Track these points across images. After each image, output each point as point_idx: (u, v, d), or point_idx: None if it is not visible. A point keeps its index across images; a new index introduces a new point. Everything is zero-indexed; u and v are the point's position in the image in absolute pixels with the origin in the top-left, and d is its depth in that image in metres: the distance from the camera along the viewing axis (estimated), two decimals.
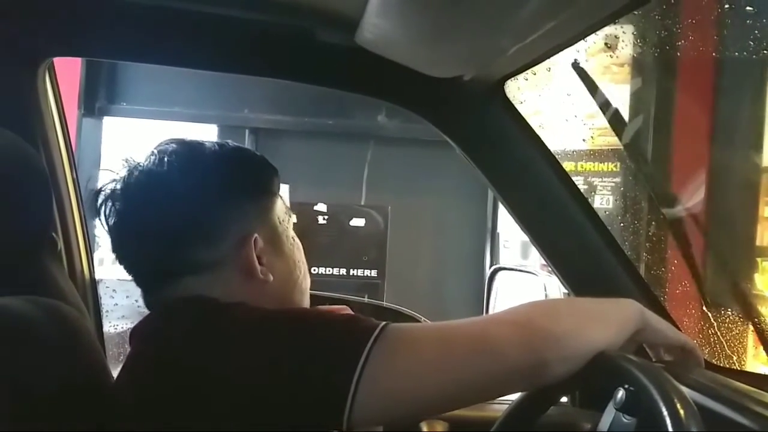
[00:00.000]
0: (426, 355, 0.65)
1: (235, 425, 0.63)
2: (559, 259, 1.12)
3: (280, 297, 0.78)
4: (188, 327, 0.69)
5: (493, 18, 0.76)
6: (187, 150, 0.79)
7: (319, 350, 0.64)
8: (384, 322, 0.66)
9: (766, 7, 2.31)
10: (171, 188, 0.76)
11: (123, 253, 0.78)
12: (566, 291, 1.16)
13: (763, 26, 2.33)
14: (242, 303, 0.72)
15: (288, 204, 0.84)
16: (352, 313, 0.86)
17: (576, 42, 0.83)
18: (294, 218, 0.85)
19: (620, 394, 0.69)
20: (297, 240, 0.84)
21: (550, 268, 1.16)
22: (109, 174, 0.78)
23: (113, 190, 0.77)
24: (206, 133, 3.74)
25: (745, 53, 2.42)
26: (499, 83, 1.02)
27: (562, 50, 0.87)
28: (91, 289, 1.18)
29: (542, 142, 1.08)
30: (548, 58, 0.90)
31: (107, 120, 3.68)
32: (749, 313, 1.10)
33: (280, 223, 0.81)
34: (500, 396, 0.75)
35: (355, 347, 0.63)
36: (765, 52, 2.37)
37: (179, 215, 0.75)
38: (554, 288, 1.26)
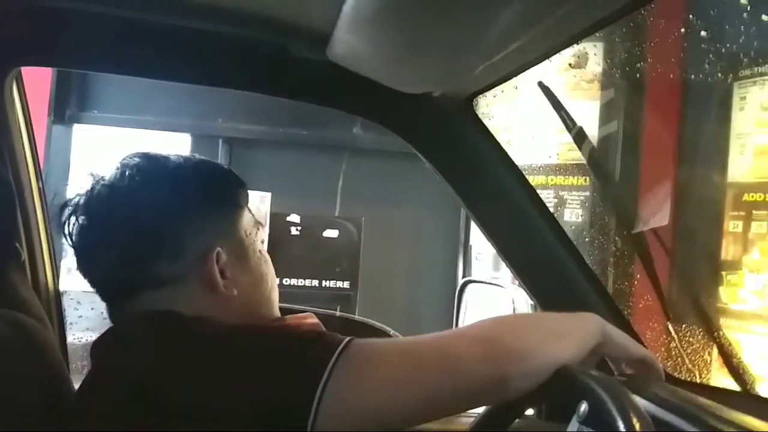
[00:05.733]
0: (390, 371, 0.65)
1: None
2: (525, 273, 1.14)
3: (246, 310, 0.78)
4: (148, 343, 0.69)
5: (460, 37, 0.77)
6: (150, 164, 0.79)
7: (280, 367, 0.64)
8: (348, 338, 0.66)
9: (720, 32, 2.42)
10: (131, 202, 0.76)
11: (86, 267, 0.78)
12: (533, 303, 1.18)
13: (716, 51, 2.44)
14: (204, 317, 0.72)
15: (268, 212, 0.84)
16: (317, 322, 0.86)
17: (543, 60, 0.85)
18: (264, 230, 0.85)
19: (583, 407, 0.71)
20: (265, 253, 0.84)
21: (517, 279, 1.17)
22: (77, 188, 0.78)
23: (77, 204, 0.77)
24: (179, 143, 3.71)
25: (701, 76, 2.51)
26: (467, 100, 1.04)
27: (529, 68, 0.89)
28: (55, 300, 1.16)
29: (510, 158, 1.10)
30: (516, 75, 0.92)
31: (77, 127, 3.63)
32: (712, 327, 1.13)
33: (246, 236, 0.81)
34: (464, 410, 0.76)
35: (318, 364, 0.63)
36: (720, 75, 2.47)
37: (139, 229, 0.75)
38: (522, 301, 1.28)
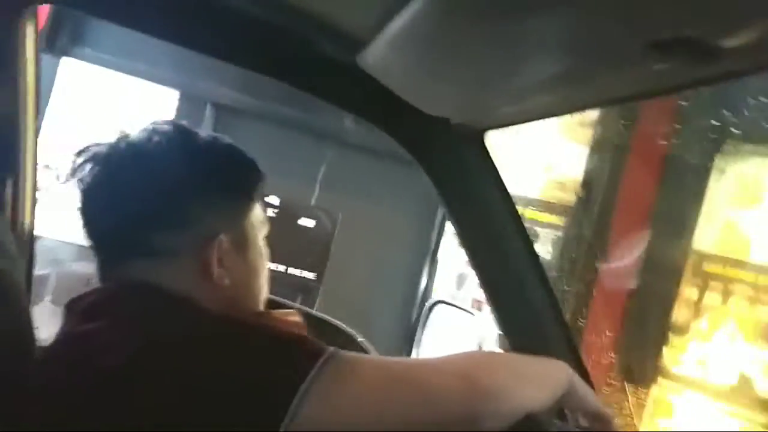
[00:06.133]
0: (367, 392, 0.65)
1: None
2: (501, 306, 1.16)
3: (232, 301, 0.78)
4: (131, 321, 0.68)
5: (494, 78, 0.79)
6: (179, 134, 0.78)
7: (257, 374, 0.63)
8: (329, 351, 0.65)
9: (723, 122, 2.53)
10: (150, 166, 0.75)
11: (90, 218, 0.77)
12: (500, 336, 1.20)
13: (709, 139, 2.54)
14: (190, 299, 0.72)
15: None
16: (301, 321, 0.86)
17: (567, 114, 0.87)
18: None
19: None
20: (265, 250, 0.84)
21: (492, 312, 1.19)
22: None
23: (97, 153, 0.76)
24: (167, 98, 3.64)
25: (691, 154, 2.61)
26: (480, 132, 1.06)
27: (550, 117, 0.91)
28: (29, 242, 1.13)
29: (509, 195, 1.12)
30: (535, 120, 0.94)
31: (66, 61, 3.52)
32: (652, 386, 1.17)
33: (252, 230, 0.80)
34: None
35: (295, 376, 0.62)
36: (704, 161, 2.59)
37: (150, 195, 0.74)
38: (488, 331, 1.31)
